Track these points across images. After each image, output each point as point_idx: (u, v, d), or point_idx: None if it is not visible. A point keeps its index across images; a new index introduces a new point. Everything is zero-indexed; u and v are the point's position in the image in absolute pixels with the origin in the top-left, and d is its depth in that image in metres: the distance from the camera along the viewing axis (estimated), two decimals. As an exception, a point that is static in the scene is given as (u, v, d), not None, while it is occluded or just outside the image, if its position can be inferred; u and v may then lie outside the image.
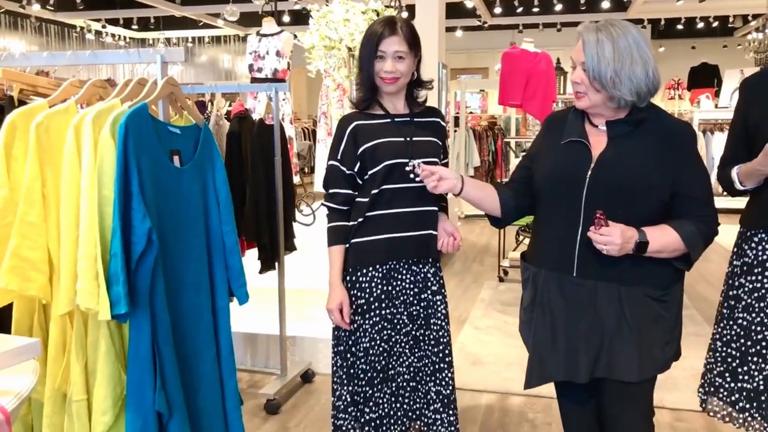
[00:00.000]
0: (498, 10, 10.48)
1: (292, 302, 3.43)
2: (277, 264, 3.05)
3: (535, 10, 10.30)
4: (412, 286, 2.03)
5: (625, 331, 1.67)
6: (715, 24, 11.81)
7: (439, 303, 2.07)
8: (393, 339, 2.02)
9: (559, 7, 10.29)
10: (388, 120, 2.00)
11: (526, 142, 6.17)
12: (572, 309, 1.71)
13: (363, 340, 1.99)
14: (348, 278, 1.99)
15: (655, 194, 1.65)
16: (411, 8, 7.49)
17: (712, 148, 8.65)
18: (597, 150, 1.70)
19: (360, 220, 1.96)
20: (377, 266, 1.98)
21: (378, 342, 1.99)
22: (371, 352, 1.99)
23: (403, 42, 1.92)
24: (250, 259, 3.02)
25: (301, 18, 9.53)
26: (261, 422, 2.92)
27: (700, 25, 11.80)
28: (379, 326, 1.99)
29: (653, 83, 1.65)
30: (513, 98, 5.26)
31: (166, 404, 1.67)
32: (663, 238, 1.63)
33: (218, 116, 2.94)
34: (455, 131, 8.86)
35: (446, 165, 2.11)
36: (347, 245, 1.99)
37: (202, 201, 1.88)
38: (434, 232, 2.02)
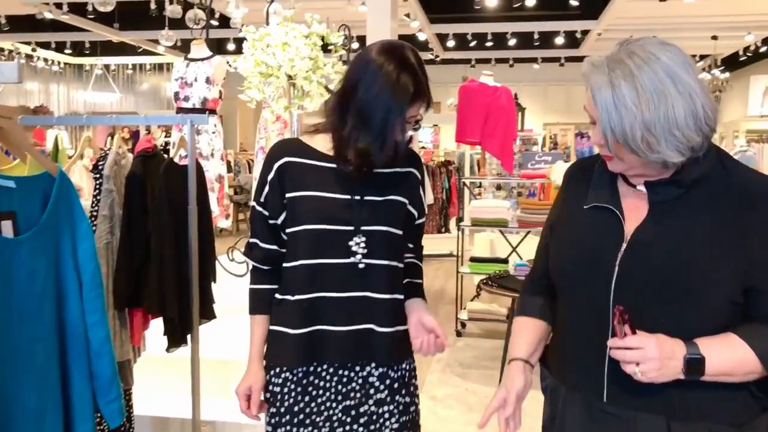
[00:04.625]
0: (451, 43, 10.24)
1: (213, 377, 2.83)
2: (190, 336, 2.46)
3: (488, 44, 10.09)
4: (340, 398, 1.47)
5: None
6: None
7: (387, 416, 1.51)
8: None
9: (512, 42, 10.09)
10: (333, 165, 1.46)
11: (487, 182, 5.74)
12: None
13: None
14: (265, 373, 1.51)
15: (718, 292, 1.12)
16: (362, 39, 7.09)
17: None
18: (633, 221, 1.19)
19: (277, 297, 1.49)
20: (292, 368, 1.47)
21: None
22: None
23: (423, 106, 1.45)
24: (156, 330, 2.43)
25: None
26: None
27: (651, 63, 11.83)
28: None
29: (708, 122, 1.11)
30: (471, 135, 4.84)
31: None
32: (728, 355, 1.11)
33: (119, 154, 2.36)
34: (407, 167, 8.41)
35: (420, 231, 1.60)
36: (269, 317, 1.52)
37: (54, 283, 1.31)
38: (379, 329, 1.46)
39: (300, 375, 1.47)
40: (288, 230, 1.47)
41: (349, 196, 1.45)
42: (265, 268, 1.52)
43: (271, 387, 1.50)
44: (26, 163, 1.35)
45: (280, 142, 1.58)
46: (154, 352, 2.59)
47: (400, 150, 1.44)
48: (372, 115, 1.37)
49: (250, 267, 1.57)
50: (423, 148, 10.31)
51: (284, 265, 1.48)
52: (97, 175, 2.31)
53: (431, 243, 8.54)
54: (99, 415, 1.46)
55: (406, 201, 1.52)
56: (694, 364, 1.09)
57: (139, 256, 2.27)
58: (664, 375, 1.09)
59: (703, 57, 11.65)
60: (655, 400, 1.14)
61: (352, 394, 1.48)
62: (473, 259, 5.02)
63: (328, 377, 1.47)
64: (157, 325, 2.44)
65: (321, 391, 1.47)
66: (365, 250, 1.43)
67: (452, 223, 8.73)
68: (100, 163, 2.33)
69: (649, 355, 1.07)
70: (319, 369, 1.47)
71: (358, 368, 1.48)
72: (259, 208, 1.51)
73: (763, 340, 1.11)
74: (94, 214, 2.30)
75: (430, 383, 3.90)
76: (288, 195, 1.46)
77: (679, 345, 1.10)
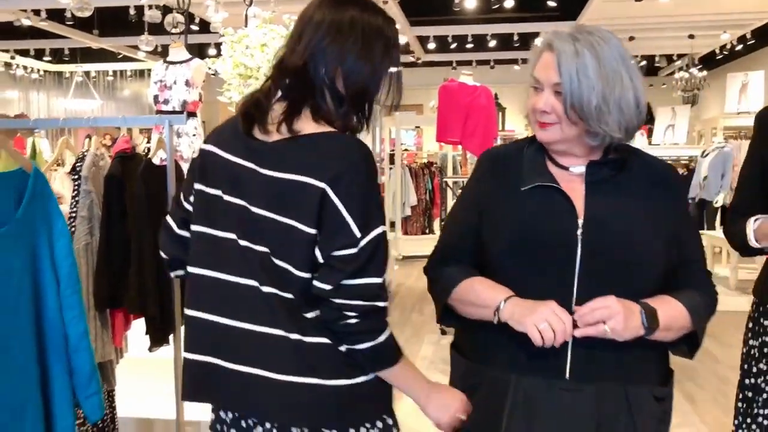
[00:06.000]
0: (432, 45, 10.29)
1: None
2: (172, 336, 2.46)
3: (469, 46, 10.16)
4: None
5: None
6: (642, 63, 12.01)
7: None
8: None
9: (492, 43, 10.16)
10: None
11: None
12: (568, 428, 1.22)
13: None
14: None
15: (660, 261, 1.27)
16: (342, 41, 7.11)
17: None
18: (575, 200, 1.27)
19: None
20: None
21: None
22: None
23: None
24: (138, 332, 2.43)
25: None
26: None
27: (628, 64, 11.95)
28: None
29: (642, 115, 1.27)
30: (452, 135, 4.88)
31: None
32: (669, 310, 1.24)
33: (96, 155, 2.36)
34: (390, 169, 8.47)
35: None
36: None
37: (30, 279, 1.32)
38: None
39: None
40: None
41: None
42: None
43: None
44: (0, 159, 1.36)
45: (358, 139, 1.25)
46: (136, 354, 2.58)
47: None
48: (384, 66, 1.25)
49: (376, 315, 1.18)
50: (406, 150, 10.34)
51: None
52: (76, 177, 2.31)
53: (415, 244, 8.56)
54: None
55: None
56: (651, 315, 1.19)
57: (119, 256, 2.27)
58: (629, 329, 1.17)
59: (680, 56, 11.80)
60: (615, 368, 1.22)
61: None
62: (456, 258, 5.05)
63: None
64: (138, 326, 2.44)
65: None
66: None
67: (436, 223, 8.78)
68: (78, 164, 2.34)
69: (615, 310, 1.15)
70: None
71: None
72: (387, 229, 1.23)
73: (690, 299, 1.26)
74: (73, 215, 2.30)
75: (415, 381, 3.92)
76: None
77: (632, 302, 1.20)
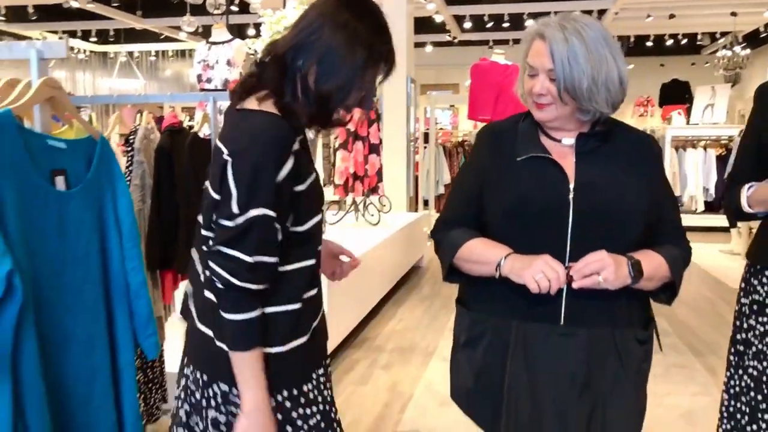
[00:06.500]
0: (468, 24, 10.30)
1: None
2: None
3: (505, 25, 10.14)
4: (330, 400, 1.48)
5: (625, 386, 1.41)
6: (684, 41, 11.79)
7: None
8: None
9: (529, 22, 10.11)
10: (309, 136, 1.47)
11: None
12: (564, 368, 1.38)
13: None
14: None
15: (642, 220, 1.40)
16: (378, 20, 7.18)
17: (685, 165, 8.51)
18: (567, 169, 1.41)
19: (279, 310, 1.31)
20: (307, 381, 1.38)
21: None
22: None
23: None
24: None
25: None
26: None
27: (669, 42, 11.77)
28: None
29: (624, 90, 1.39)
30: (483, 113, 4.98)
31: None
32: (652, 262, 1.38)
33: (148, 129, 2.57)
34: (425, 147, 8.59)
35: None
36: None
37: (98, 233, 1.51)
38: None
39: (311, 386, 1.36)
40: (299, 229, 1.29)
41: None
42: (264, 287, 1.24)
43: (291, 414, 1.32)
44: (73, 128, 1.56)
45: (279, 121, 1.23)
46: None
47: None
48: (362, 64, 1.31)
49: (237, 292, 1.21)
50: (441, 129, 10.44)
51: (289, 268, 1.29)
52: (129, 148, 2.52)
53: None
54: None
55: None
56: (636, 266, 1.33)
57: (169, 221, 2.48)
58: (620, 279, 1.31)
59: (723, 34, 11.54)
60: (604, 314, 1.38)
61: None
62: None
63: (323, 378, 1.39)
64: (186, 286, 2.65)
65: (326, 393, 1.40)
66: None
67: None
68: (131, 137, 2.54)
69: (607, 262, 1.29)
70: (321, 372, 1.39)
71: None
72: (272, 214, 1.21)
73: (669, 253, 1.40)
74: (127, 183, 2.51)
75: (443, 348, 4.10)
76: (302, 186, 1.27)
77: (620, 255, 1.34)
